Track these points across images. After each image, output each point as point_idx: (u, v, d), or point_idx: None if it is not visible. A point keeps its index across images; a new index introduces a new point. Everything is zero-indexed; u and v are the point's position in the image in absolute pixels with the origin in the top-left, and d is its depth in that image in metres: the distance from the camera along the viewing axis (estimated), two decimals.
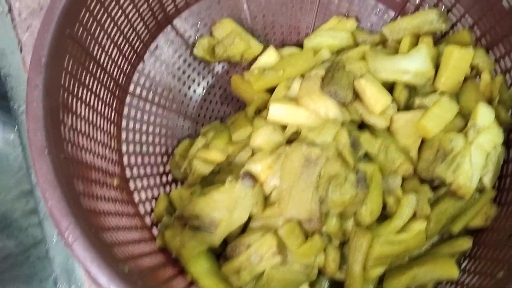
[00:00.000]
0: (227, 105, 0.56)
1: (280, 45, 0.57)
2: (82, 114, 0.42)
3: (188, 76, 0.55)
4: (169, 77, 0.54)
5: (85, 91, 0.42)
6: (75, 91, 0.41)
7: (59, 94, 0.38)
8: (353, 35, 0.54)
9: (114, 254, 0.35)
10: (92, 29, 0.42)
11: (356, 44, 0.53)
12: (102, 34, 0.44)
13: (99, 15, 0.43)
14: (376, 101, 0.44)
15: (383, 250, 0.40)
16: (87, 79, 0.43)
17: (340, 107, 0.44)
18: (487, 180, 0.43)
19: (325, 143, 0.41)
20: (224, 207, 0.41)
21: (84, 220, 0.35)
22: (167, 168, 0.51)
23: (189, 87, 0.55)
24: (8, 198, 0.61)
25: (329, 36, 0.54)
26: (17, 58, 0.58)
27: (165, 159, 0.51)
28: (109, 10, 0.44)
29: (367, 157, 0.44)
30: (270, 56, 0.54)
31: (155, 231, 0.46)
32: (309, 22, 0.57)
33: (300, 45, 0.56)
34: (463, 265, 0.42)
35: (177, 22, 0.53)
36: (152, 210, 0.47)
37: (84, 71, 0.42)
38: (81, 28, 0.41)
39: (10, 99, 0.58)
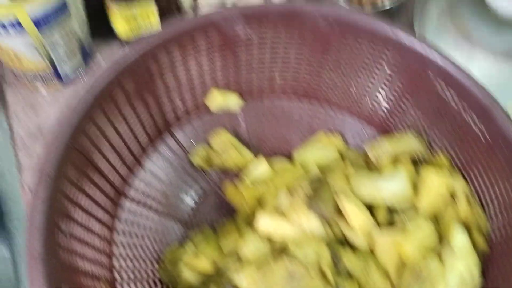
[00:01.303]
0: (220, 210, 0.59)
1: (271, 154, 0.60)
2: (79, 219, 0.44)
3: (185, 182, 0.58)
4: (166, 183, 0.57)
5: (83, 198, 0.45)
6: (74, 197, 0.43)
7: (57, 203, 0.41)
8: (339, 151, 0.58)
9: None
10: (96, 140, 0.46)
11: (341, 158, 0.57)
12: (104, 144, 0.48)
13: (104, 126, 0.47)
14: (357, 220, 0.47)
15: None
16: (86, 186, 0.46)
17: (324, 223, 0.47)
18: None
19: (307, 259, 0.43)
20: None
21: None
22: (156, 274, 0.52)
23: (185, 193, 0.58)
24: None
25: (317, 150, 0.58)
26: (15, 179, 0.61)
27: (155, 263, 0.53)
28: (113, 121, 0.48)
29: (348, 273, 0.45)
30: (261, 166, 0.57)
31: None
32: (297, 134, 0.61)
33: (289, 155, 0.60)
34: None
35: (177, 131, 0.58)
36: None
37: (84, 178, 0.45)
38: (86, 140, 0.44)
39: (7, 222, 0.61)
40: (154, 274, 0.52)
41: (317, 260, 0.43)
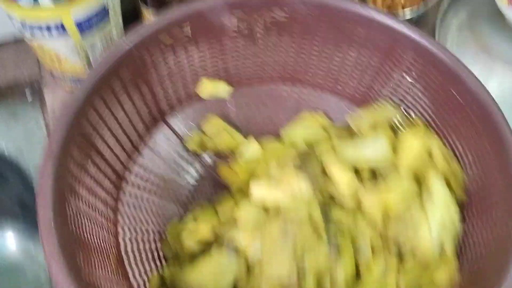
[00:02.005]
0: (215, 191, 0.62)
1: (259, 134, 0.64)
2: (85, 198, 0.47)
3: (181, 167, 0.62)
4: (164, 169, 0.60)
5: (88, 178, 0.48)
6: (80, 177, 0.47)
7: (65, 179, 0.44)
8: (323, 127, 0.62)
9: None
10: (98, 126, 0.50)
11: (326, 134, 0.60)
12: (105, 130, 0.51)
13: (104, 114, 0.51)
14: (343, 181, 0.51)
15: None
16: (90, 168, 0.49)
17: (312, 186, 0.51)
18: (447, 246, 0.48)
19: (299, 215, 0.46)
20: (212, 274, 0.45)
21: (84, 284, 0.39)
22: (160, 250, 0.55)
23: (182, 177, 0.61)
24: None
25: (303, 128, 0.62)
26: None
27: (158, 242, 0.56)
28: (113, 109, 0.52)
29: (338, 230, 0.49)
30: (252, 147, 0.61)
31: None
32: (284, 116, 0.65)
33: (277, 135, 0.63)
34: None
35: (171, 120, 0.62)
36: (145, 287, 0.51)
37: (88, 161, 0.49)
38: (88, 126, 0.48)
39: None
40: (158, 252, 0.55)
41: (309, 218, 0.47)
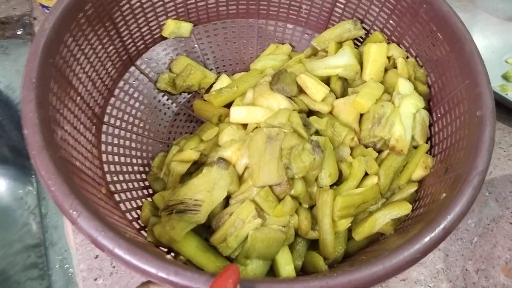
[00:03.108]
0: (192, 127, 0.63)
1: (230, 74, 0.66)
2: (68, 131, 0.47)
3: (155, 107, 0.62)
4: (139, 109, 0.61)
5: (68, 113, 0.48)
6: (61, 110, 0.47)
7: (48, 109, 0.44)
8: (289, 56, 0.64)
9: (114, 227, 0.40)
10: (70, 62, 0.50)
11: (294, 60, 0.63)
12: (78, 68, 0.51)
13: (75, 51, 0.51)
14: (317, 90, 0.53)
15: (345, 201, 0.46)
16: (69, 104, 0.49)
17: (289, 99, 0.53)
18: (418, 137, 0.52)
19: (281, 123, 0.49)
20: (205, 189, 0.46)
21: (84, 200, 0.39)
22: (147, 183, 0.56)
23: (157, 116, 0.62)
24: (10, 252, 0.63)
25: (270, 59, 0.64)
26: None
27: (144, 175, 0.57)
28: (82, 47, 0.52)
29: (318, 133, 0.52)
30: (224, 81, 0.63)
31: (144, 234, 0.50)
32: (252, 52, 0.67)
33: (247, 71, 0.65)
34: (414, 205, 0.49)
35: (139, 62, 0.62)
36: (138, 218, 0.52)
37: (67, 97, 0.49)
38: (61, 60, 0.48)
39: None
40: (144, 184, 0.56)
41: (290, 124, 0.49)
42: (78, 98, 0.51)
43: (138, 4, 0.58)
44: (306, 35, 0.67)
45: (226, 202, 0.48)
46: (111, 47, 0.57)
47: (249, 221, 0.44)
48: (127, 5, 0.57)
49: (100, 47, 0.55)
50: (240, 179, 0.49)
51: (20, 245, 0.63)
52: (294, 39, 0.67)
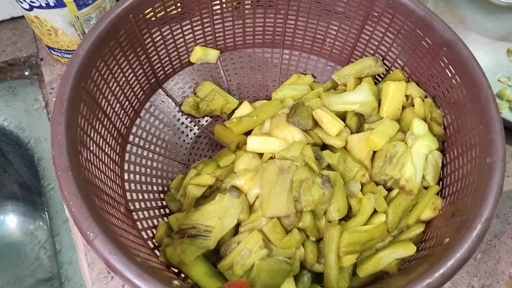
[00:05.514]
0: (212, 150, 0.66)
1: (252, 101, 0.68)
2: (94, 151, 0.51)
3: (178, 129, 0.65)
4: (162, 130, 0.64)
5: (95, 134, 0.52)
6: (88, 131, 0.50)
7: (76, 131, 0.47)
8: (311, 87, 0.66)
9: (127, 250, 0.42)
10: (100, 85, 0.53)
11: (314, 91, 0.65)
12: (107, 91, 0.55)
13: (106, 75, 0.54)
14: (331, 126, 0.55)
15: (351, 238, 0.48)
16: (97, 125, 0.52)
17: (304, 133, 0.55)
18: (430, 178, 0.52)
19: (294, 156, 0.50)
20: (216, 216, 0.49)
21: (102, 223, 0.42)
22: (164, 202, 0.59)
23: (179, 138, 0.65)
24: None
25: (292, 89, 0.66)
26: (49, 145, 0.68)
27: (162, 195, 0.59)
28: (113, 71, 0.55)
29: (329, 167, 0.53)
30: (245, 108, 0.65)
31: (157, 253, 0.53)
32: (275, 80, 0.70)
33: (269, 99, 0.67)
34: (420, 245, 0.50)
35: (166, 85, 0.65)
36: (153, 237, 0.54)
37: (95, 118, 0.52)
38: (92, 84, 0.51)
39: (41, 179, 0.67)
40: (162, 203, 0.59)
41: (302, 157, 0.51)
42: (106, 119, 0.55)
43: (168, 31, 0.61)
44: (328, 67, 0.69)
45: (236, 229, 0.50)
46: (140, 71, 0.61)
47: (256, 251, 0.46)
48: (158, 32, 0.60)
49: (130, 71, 0.59)
50: (251, 208, 0.51)
51: (32, 280, 0.66)
52: (316, 70, 0.69)
